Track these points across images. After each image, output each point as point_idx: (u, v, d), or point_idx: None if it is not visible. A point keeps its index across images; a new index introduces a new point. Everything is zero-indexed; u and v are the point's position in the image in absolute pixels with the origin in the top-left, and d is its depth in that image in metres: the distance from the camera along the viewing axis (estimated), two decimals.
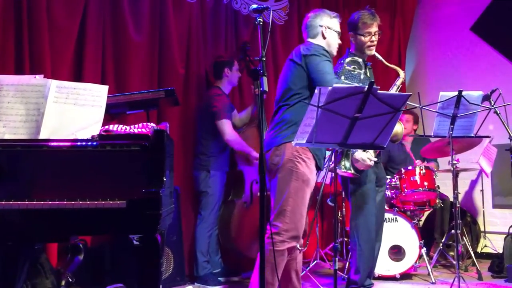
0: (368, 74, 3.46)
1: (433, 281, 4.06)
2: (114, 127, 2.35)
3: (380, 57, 3.45)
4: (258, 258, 2.65)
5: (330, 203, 4.29)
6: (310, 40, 3.08)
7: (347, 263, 4.37)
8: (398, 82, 3.47)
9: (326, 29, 3.05)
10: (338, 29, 3.10)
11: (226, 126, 4.03)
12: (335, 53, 3.11)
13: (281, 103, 2.92)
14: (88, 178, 2.11)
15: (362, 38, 3.40)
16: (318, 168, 2.91)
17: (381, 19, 5.74)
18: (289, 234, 2.62)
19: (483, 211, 5.20)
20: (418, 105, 3.37)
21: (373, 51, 3.44)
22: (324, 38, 3.05)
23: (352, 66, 3.36)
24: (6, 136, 2.16)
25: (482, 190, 5.20)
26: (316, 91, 2.24)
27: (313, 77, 2.83)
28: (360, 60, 3.44)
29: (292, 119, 2.80)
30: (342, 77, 3.30)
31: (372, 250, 3.49)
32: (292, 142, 2.45)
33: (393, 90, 3.45)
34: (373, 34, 3.40)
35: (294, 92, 2.87)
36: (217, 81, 4.32)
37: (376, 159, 3.38)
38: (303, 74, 2.86)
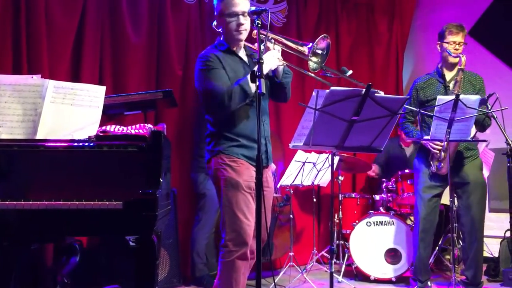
0: (450, 87, 3.63)
1: (429, 284, 4.06)
2: (111, 128, 2.35)
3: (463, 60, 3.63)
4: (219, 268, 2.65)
5: None
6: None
7: (344, 265, 4.37)
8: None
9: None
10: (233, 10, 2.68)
11: None
12: (240, 37, 2.78)
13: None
14: (84, 179, 2.11)
15: (447, 45, 3.60)
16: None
17: (379, 22, 5.86)
18: (234, 242, 2.54)
19: None
20: (415, 109, 3.39)
21: (457, 59, 3.61)
22: (222, 28, 2.86)
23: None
24: (3, 136, 2.16)
25: None
26: (314, 93, 2.24)
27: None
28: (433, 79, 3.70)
29: (211, 132, 2.73)
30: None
31: (422, 250, 3.69)
32: (291, 144, 2.44)
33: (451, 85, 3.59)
34: (457, 43, 3.60)
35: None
36: None
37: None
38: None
